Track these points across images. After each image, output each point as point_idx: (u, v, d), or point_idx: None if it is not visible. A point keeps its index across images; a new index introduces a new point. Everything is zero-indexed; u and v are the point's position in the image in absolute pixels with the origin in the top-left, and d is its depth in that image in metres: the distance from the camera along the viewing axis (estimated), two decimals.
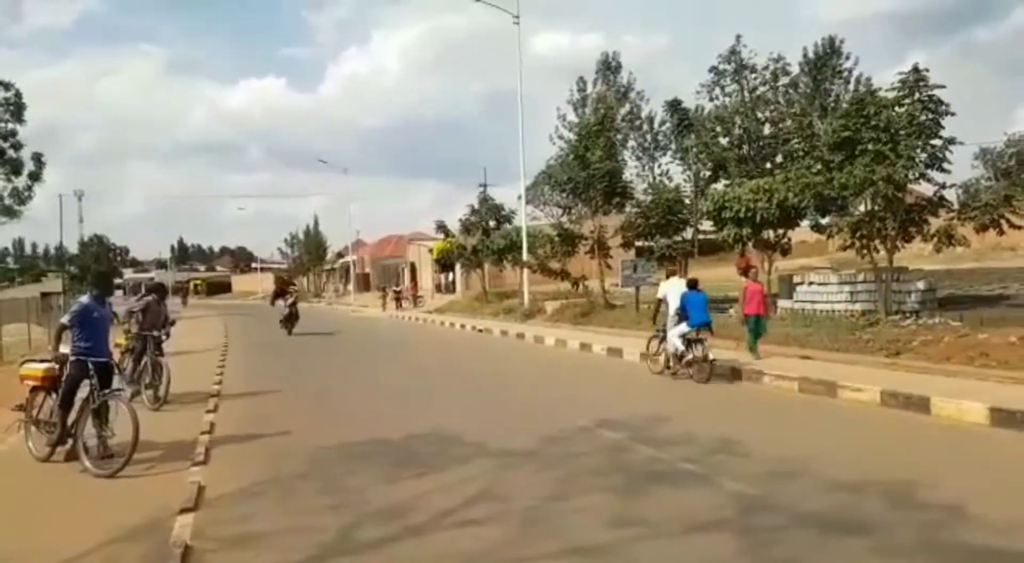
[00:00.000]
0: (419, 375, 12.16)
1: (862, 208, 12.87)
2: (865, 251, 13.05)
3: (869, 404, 7.83)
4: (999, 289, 16.58)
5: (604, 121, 21.15)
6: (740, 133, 18.21)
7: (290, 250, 68.39)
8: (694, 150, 18.95)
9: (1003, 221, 12.14)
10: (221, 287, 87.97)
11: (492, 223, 28.70)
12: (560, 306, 21.49)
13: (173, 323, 10.23)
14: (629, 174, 21.37)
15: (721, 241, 17.96)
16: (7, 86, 27.97)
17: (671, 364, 10.20)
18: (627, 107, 25.77)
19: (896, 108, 12.06)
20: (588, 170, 19.57)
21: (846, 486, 4.94)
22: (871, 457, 5.85)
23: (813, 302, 14.92)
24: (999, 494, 4.73)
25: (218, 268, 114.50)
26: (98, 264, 59.13)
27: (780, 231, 16.59)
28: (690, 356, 9.80)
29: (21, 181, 28.47)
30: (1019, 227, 12.31)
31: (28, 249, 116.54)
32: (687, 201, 18.95)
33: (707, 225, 18.79)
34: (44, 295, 27.89)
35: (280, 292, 22.58)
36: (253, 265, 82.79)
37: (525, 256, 23.59)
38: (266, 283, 70.94)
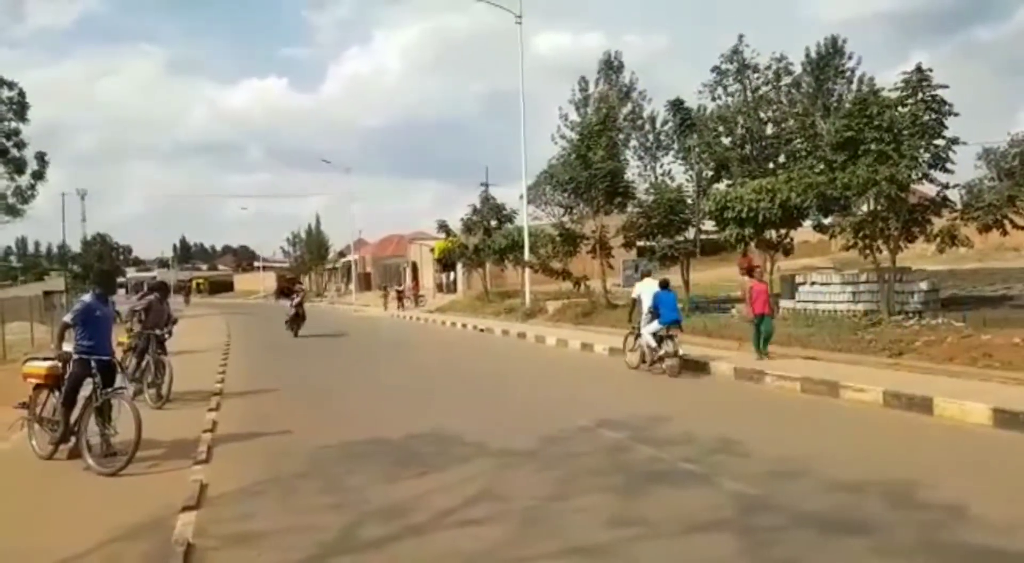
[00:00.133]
0: (420, 375, 12.17)
1: (865, 208, 12.84)
2: (868, 251, 13.03)
3: (871, 404, 7.82)
4: (1002, 290, 16.53)
5: (606, 121, 21.12)
6: (742, 133, 18.17)
7: (292, 249, 68.47)
8: (696, 150, 18.91)
9: (1006, 221, 12.09)
10: (223, 286, 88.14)
11: (494, 222, 28.70)
12: (562, 306, 21.49)
13: (175, 322, 10.27)
14: (631, 174, 21.32)
15: (723, 241, 17.91)
16: (10, 85, 28.10)
17: (646, 359, 10.82)
18: (629, 107, 25.73)
19: (899, 108, 12.03)
20: (590, 170, 19.55)
21: (847, 486, 4.94)
22: (872, 457, 5.84)
23: (815, 302, 14.90)
24: (1000, 495, 4.72)
25: (220, 267, 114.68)
26: (101, 263, 59.30)
27: (782, 231, 16.56)
28: (662, 352, 10.41)
29: (24, 180, 28.60)
30: (1022, 227, 12.26)
31: (31, 248, 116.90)
32: (689, 201, 18.91)
33: (709, 225, 18.75)
34: (47, 294, 28.03)
35: (285, 291, 22.87)
36: (255, 264, 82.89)
37: (527, 256, 23.59)
38: (268, 282, 71.13)
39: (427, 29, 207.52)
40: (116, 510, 4.90)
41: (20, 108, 28.11)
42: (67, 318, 6.55)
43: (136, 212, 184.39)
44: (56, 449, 6.33)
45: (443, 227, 31.42)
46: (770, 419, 7.66)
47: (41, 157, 29.19)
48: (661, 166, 22.07)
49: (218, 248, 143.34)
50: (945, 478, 5.10)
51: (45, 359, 6.83)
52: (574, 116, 25.74)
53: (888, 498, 4.67)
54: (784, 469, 5.43)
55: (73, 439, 6.23)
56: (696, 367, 10.71)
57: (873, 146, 11.90)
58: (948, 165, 12.09)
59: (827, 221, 15.77)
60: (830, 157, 12.94)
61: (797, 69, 20.24)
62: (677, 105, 19.61)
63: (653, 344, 10.56)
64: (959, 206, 12.66)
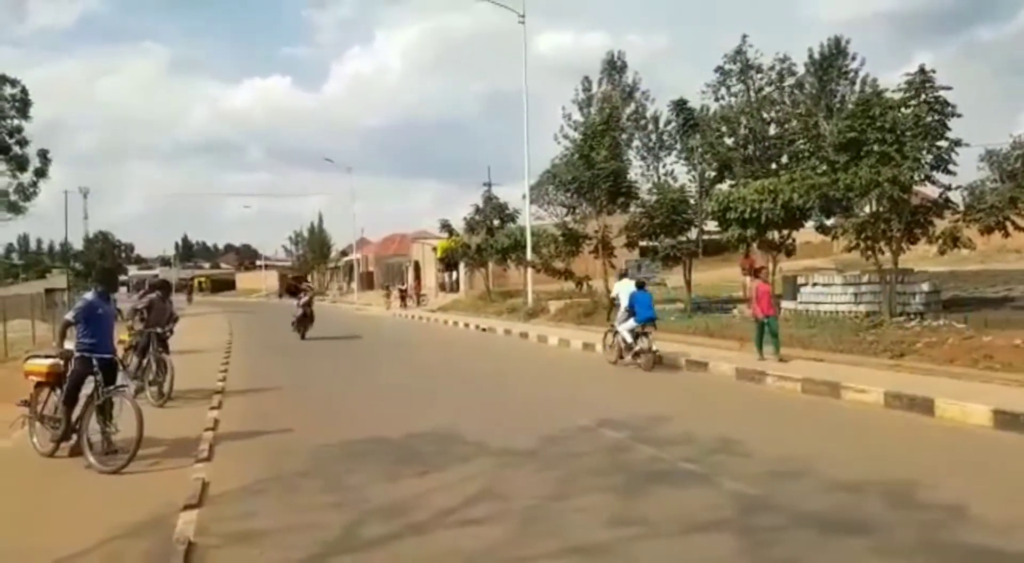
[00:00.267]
0: (422, 374, 12.18)
1: (867, 209, 12.83)
2: (870, 252, 13.02)
3: (873, 405, 7.82)
4: (1004, 291, 16.50)
5: (609, 121, 21.11)
6: (745, 133, 18.16)
7: (294, 248, 68.54)
8: (699, 150, 18.90)
9: (1008, 223, 12.08)
10: (225, 284, 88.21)
11: (496, 222, 28.70)
12: (564, 306, 21.49)
13: (176, 320, 10.27)
14: (634, 174, 21.33)
15: (725, 242, 17.92)
16: (13, 82, 28.17)
17: (623, 354, 11.53)
18: (632, 107, 25.72)
19: (902, 109, 12.02)
20: (593, 170, 19.55)
21: (847, 486, 4.94)
22: (873, 458, 5.84)
23: (817, 303, 14.88)
24: (1000, 496, 4.72)
25: (222, 265, 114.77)
26: (103, 261, 59.47)
27: (784, 232, 16.55)
28: (637, 347, 11.16)
29: (26, 177, 28.68)
30: None
31: (33, 245, 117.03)
32: (692, 201, 18.91)
33: (712, 225, 18.76)
34: (48, 291, 28.08)
35: (293, 290, 22.11)
36: (257, 263, 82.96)
37: (529, 255, 23.59)
38: (270, 280, 71.15)
39: (429, 29, 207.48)
40: (117, 508, 4.91)
41: (22, 105, 28.18)
42: (69, 316, 6.57)
43: (138, 210, 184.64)
44: (57, 447, 6.35)
45: (446, 226, 31.45)
46: (771, 419, 7.66)
47: (43, 154, 29.26)
48: (664, 166, 22.09)
49: (220, 246, 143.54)
50: (945, 479, 5.10)
51: (47, 357, 6.84)
52: (577, 116, 25.74)
53: (888, 498, 4.68)
54: (784, 469, 5.43)
55: (74, 437, 6.24)
56: (675, 364, 11.31)
57: (876, 147, 11.89)
58: (950, 167, 12.08)
59: (829, 222, 15.75)
60: (833, 158, 12.93)
61: (800, 70, 20.22)
62: (680, 105, 19.61)
63: (629, 340, 11.32)
64: (961, 208, 12.65)
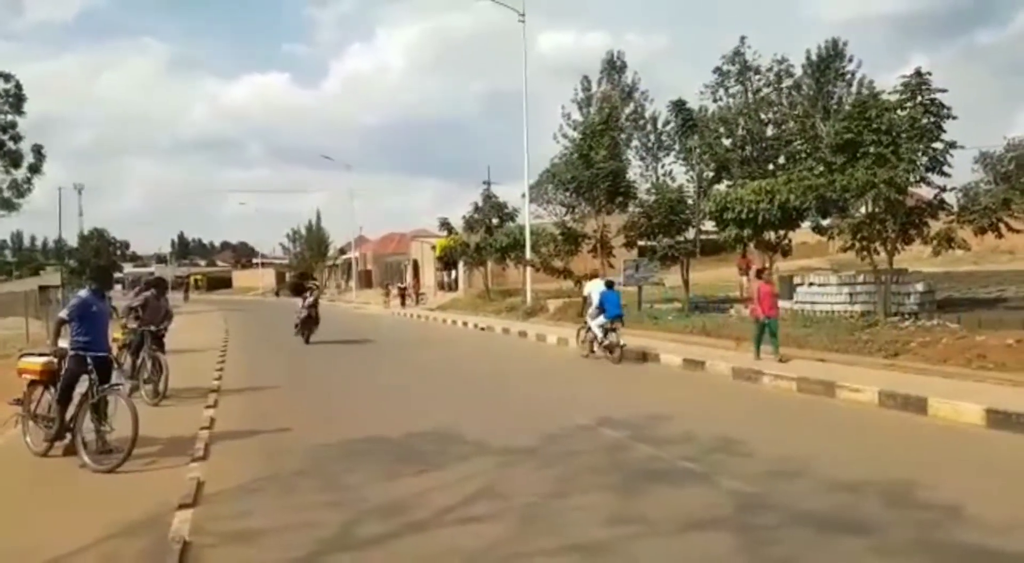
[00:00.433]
0: (420, 373, 12.17)
1: (863, 210, 12.87)
2: (865, 253, 13.06)
3: (867, 404, 7.85)
4: (997, 292, 16.59)
5: (608, 120, 21.14)
6: (743, 134, 18.21)
7: (292, 246, 68.35)
8: (697, 151, 18.93)
9: (1002, 224, 12.16)
10: (221, 282, 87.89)
11: (495, 221, 28.69)
12: (562, 305, 21.50)
13: (171, 318, 10.22)
14: (632, 174, 21.39)
15: (723, 242, 17.97)
16: (7, 77, 28.02)
17: (593, 348, 12.51)
18: (631, 107, 25.78)
19: (898, 111, 12.07)
20: (592, 169, 19.57)
21: (844, 486, 4.96)
22: (868, 457, 5.87)
23: (813, 303, 14.94)
24: (994, 495, 4.74)
25: (219, 263, 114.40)
26: (98, 258, 59.11)
27: (781, 232, 16.59)
28: (607, 342, 12.13)
29: (20, 173, 28.56)
30: (1017, 231, 12.34)
31: (27, 242, 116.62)
32: (690, 201, 18.96)
33: (709, 225, 18.79)
34: (42, 289, 27.87)
35: (297, 289, 19.05)
36: (254, 261, 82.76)
37: (528, 254, 23.60)
38: (267, 278, 70.99)
39: (429, 27, 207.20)
40: (112, 508, 4.89)
41: (16, 101, 28.04)
42: (63, 314, 6.52)
43: (134, 207, 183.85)
44: (51, 446, 6.31)
45: (445, 225, 31.40)
46: (767, 419, 7.68)
47: (38, 150, 29.12)
48: (662, 166, 22.14)
49: (217, 244, 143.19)
50: (940, 478, 5.13)
51: (40, 355, 6.79)
52: (577, 115, 25.80)
53: (884, 497, 4.69)
54: (781, 468, 5.45)
55: (68, 436, 6.19)
56: (640, 357, 12.29)
57: (872, 149, 11.93)
58: (945, 168, 12.14)
59: (825, 223, 15.81)
60: (829, 159, 12.98)
61: (798, 71, 20.30)
62: (679, 106, 19.63)
63: (599, 335, 12.29)
64: (956, 209, 12.71)
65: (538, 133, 56.23)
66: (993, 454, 5.95)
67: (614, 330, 12.08)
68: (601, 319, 12.23)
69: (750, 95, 18.42)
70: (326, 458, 6.14)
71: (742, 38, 18.65)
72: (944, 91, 11.91)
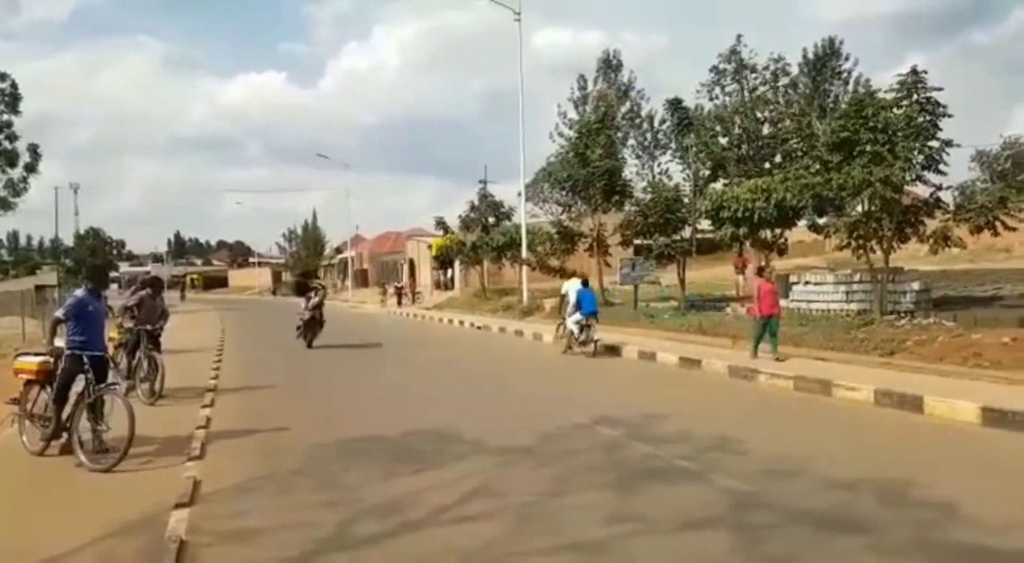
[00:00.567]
0: (417, 371, 12.17)
1: (859, 209, 12.90)
2: (861, 251, 13.09)
3: (863, 403, 7.87)
4: (993, 290, 16.65)
5: (604, 119, 21.16)
6: (739, 133, 18.28)
7: (288, 245, 68.23)
8: (693, 149, 18.99)
9: (998, 223, 12.18)
10: (217, 281, 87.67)
11: (491, 220, 28.67)
12: (558, 303, 21.48)
13: (167, 317, 10.19)
14: (629, 172, 21.48)
15: (719, 240, 18.02)
16: (3, 77, 27.89)
17: (571, 344, 13.04)
18: (627, 105, 25.82)
19: (894, 110, 12.09)
20: (588, 168, 19.59)
21: (840, 484, 4.98)
22: (865, 456, 5.88)
23: (809, 302, 14.97)
24: (991, 493, 4.76)
25: (215, 262, 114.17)
26: (94, 257, 58.86)
27: (777, 231, 16.65)
28: (583, 337, 12.80)
29: (16, 173, 28.44)
30: (1013, 229, 12.37)
31: (23, 241, 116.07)
32: (686, 200, 19.00)
33: (705, 224, 18.84)
34: (39, 288, 27.81)
35: (301, 289, 17.72)
36: (251, 260, 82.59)
37: (524, 253, 23.60)
38: (263, 277, 70.86)
39: (426, 26, 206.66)
40: (108, 507, 4.88)
41: (12, 100, 27.93)
42: (59, 313, 6.50)
43: (131, 207, 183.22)
44: (47, 445, 6.30)
45: (441, 224, 31.38)
46: (764, 417, 7.70)
47: (34, 149, 29.01)
48: (658, 165, 22.26)
49: (213, 243, 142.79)
50: (936, 476, 5.14)
51: (36, 354, 6.79)
52: (573, 114, 25.83)
53: (880, 496, 4.71)
54: (778, 467, 5.46)
55: (65, 435, 6.19)
56: (612, 351, 12.95)
57: (868, 147, 11.95)
58: (941, 167, 12.16)
59: (822, 221, 15.87)
60: (826, 158, 12.99)
61: (794, 70, 20.36)
62: (675, 104, 19.69)
63: (576, 331, 12.96)
64: (952, 207, 12.74)
65: (535, 132, 56.50)
66: (989, 452, 5.97)
67: (589, 326, 12.81)
68: (577, 316, 12.93)
69: (746, 94, 18.48)
70: (323, 457, 6.14)
71: (738, 36, 18.73)
72: (940, 90, 11.95)
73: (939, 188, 12.54)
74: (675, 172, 20.83)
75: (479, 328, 20.48)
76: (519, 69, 24.11)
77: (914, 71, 12.03)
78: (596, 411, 7.67)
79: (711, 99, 19.27)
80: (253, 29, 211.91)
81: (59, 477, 5.78)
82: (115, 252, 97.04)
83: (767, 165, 17.95)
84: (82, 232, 64.26)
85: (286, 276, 67.69)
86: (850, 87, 23.58)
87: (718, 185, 18.49)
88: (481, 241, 27.87)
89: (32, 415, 6.55)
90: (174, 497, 4.89)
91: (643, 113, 24.80)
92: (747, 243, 17.91)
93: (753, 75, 18.53)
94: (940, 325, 11.23)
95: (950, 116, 11.94)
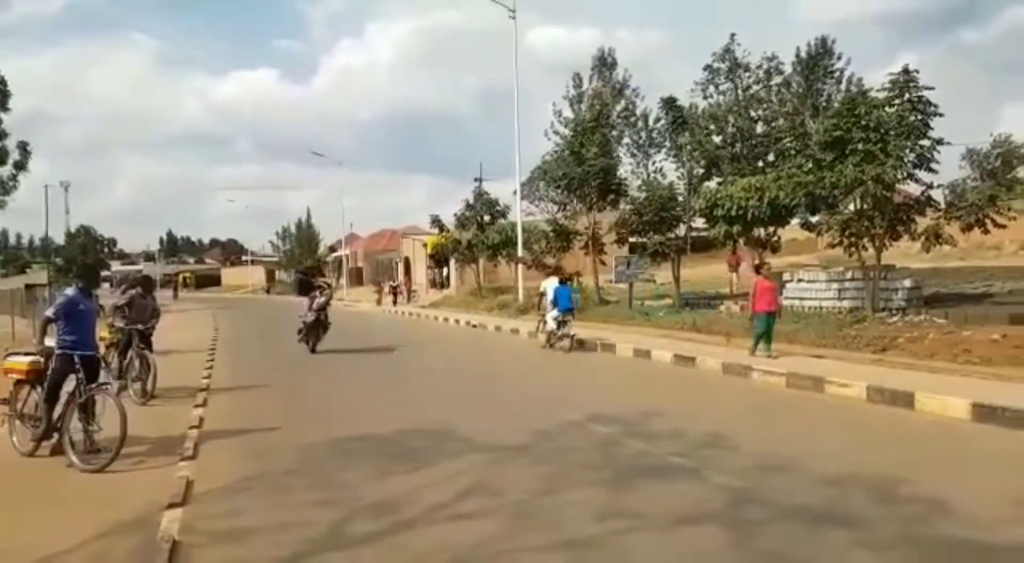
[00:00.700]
0: (412, 370, 12.16)
1: (851, 207, 12.97)
2: (854, 249, 13.17)
3: (855, 399, 7.92)
4: (983, 287, 16.75)
5: (599, 118, 21.16)
6: (733, 131, 18.31)
7: (281, 243, 67.99)
8: (688, 148, 19.01)
9: (988, 220, 12.27)
10: (210, 280, 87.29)
11: (487, 218, 28.65)
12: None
13: (159, 316, 10.13)
14: (624, 171, 21.44)
15: (713, 238, 18.05)
16: None
17: (551, 339, 13.70)
18: (622, 104, 25.77)
19: (886, 108, 12.16)
20: (583, 166, 19.59)
21: (832, 480, 5.00)
22: (856, 452, 5.92)
23: (802, 299, 15.04)
24: (979, 489, 4.80)
25: (207, 261, 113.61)
26: (85, 256, 58.46)
27: (771, 229, 16.71)
28: (560, 333, 13.46)
29: (6, 170, 28.14)
30: (1003, 226, 12.45)
31: (12, 240, 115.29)
32: (680, 198, 19.04)
33: (700, 222, 18.88)
34: (29, 287, 27.53)
35: (304, 287, 15.49)
36: (244, 258, 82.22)
37: (520, 251, 23.60)
38: (256, 276, 70.57)
39: (420, 23, 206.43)
40: (100, 507, 4.85)
41: (2, 97, 27.62)
42: (50, 312, 6.45)
43: (122, 205, 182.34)
44: (38, 446, 6.25)
45: (436, 222, 31.33)
46: (757, 414, 7.74)
47: (23, 147, 28.70)
48: (653, 163, 22.20)
49: (206, 242, 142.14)
50: (927, 472, 5.19)
51: (27, 354, 6.72)
52: (568, 112, 25.76)
53: (872, 492, 4.74)
54: (771, 463, 5.49)
55: (56, 435, 6.14)
56: (590, 346, 13.69)
57: (860, 146, 12.01)
58: (932, 165, 12.24)
59: (814, 219, 15.91)
60: (818, 156, 13.05)
61: (787, 69, 20.40)
62: (669, 103, 19.69)
63: (553, 327, 13.67)
64: (943, 205, 12.82)
65: (531, 129, 56.47)
66: (979, 448, 6.02)
67: (566, 322, 13.54)
68: (555, 312, 13.62)
69: (740, 92, 18.51)
70: (316, 456, 6.12)
71: (732, 35, 18.73)
72: (931, 89, 12.02)
73: (930, 186, 12.62)
74: (669, 170, 20.86)
75: (474, 326, 20.48)
76: (514, 67, 24.15)
77: (905, 70, 12.10)
78: (591, 408, 7.68)
79: (705, 98, 19.30)
80: (246, 26, 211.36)
81: (50, 478, 5.74)
82: (106, 251, 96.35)
83: (760, 163, 17.99)
84: (73, 230, 63.82)
85: (281, 274, 67.47)
86: (843, 86, 23.61)
87: (712, 183, 18.52)
88: (477, 239, 27.85)
89: (22, 415, 6.50)
90: (167, 497, 4.87)
91: (638, 112, 24.77)
92: (741, 241, 17.96)
93: (747, 74, 18.56)
94: (931, 322, 11.31)
95: (941, 115, 12.03)
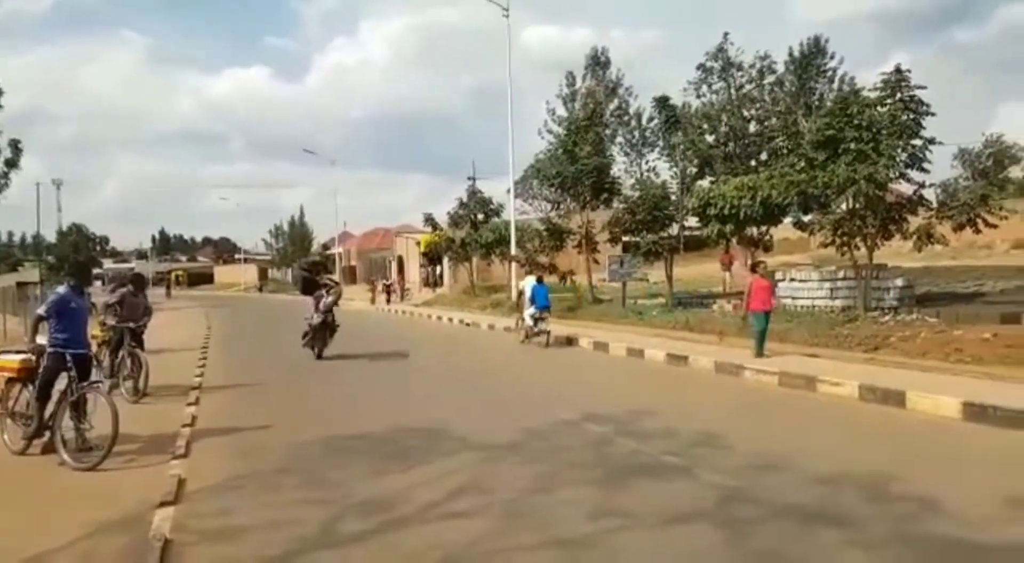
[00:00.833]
0: (405, 368, 12.14)
1: (844, 206, 13.03)
2: (846, 248, 13.23)
3: (847, 398, 7.96)
4: (975, 287, 16.88)
5: (593, 116, 21.17)
6: (726, 131, 18.38)
7: (275, 241, 67.77)
8: (681, 147, 19.07)
9: (979, 220, 12.35)
10: (203, 278, 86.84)
11: (480, 216, 28.62)
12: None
13: (151, 314, 10.08)
14: (617, 170, 21.46)
15: (706, 237, 18.11)
16: None
17: (529, 335, 14.41)
18: (616, 103, 25.81)
19: (878, 108, 12.21)
20: (577, 165, 19.61)
21: (824, 479, 5.03)
22: (848, 450, 5.96)
23: (794, 298, 15.11)
24: (970, 487, 4.84)
25: (200, 259, 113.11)
26: (77, 254, 58.22)
27: (763, 228, 16.78)
28: (537, 329, 14.16)
29: None
30: (995, 226, 12.53)
31: (4, 237, 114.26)
32: (673, 197, 19.08)
33: (692, 221, 18.94)
34: (20, 285, 27.28)
35: (309, 284, 13.51)
36: (236, 256, 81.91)
37: (513, 250, 23.60)
38: (249, 274, 70.31)
39: (414, 21, 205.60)
40: (92, 506, 4.83)
41: None
42: (41, 310, 6.43)
43: (115, 203, 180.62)
44: (29, 444, 6.22)
45: (429, 220, 31.27)
46: (749, 412, 7.77)
47: (15, 145, 28.42)
48: (646, 162, 22.26)
49: (198, 240, 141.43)
50: (918, 471, 5.22)
51: (18, 352, 6.70)
52: (561, 111, 25.78)
53: (864, 491, 4.77)
54: (763, 462, 5.51)
55: (47, 434, 6.12)
56: (566, 342, 14.35)
57: (853, 145, 12.06)
58: (925, 165, 12.31)
59: (807, 218, 16.00)
60: (811, 155, 13.10)
61: (780, 68, 20.49)
62: (662, 102, 19.74)
63: (531, 323, 14.35)
64: (935, 205, 12.90)
65: (524, 128, 56.54)
66: (969, 447, 6.06)
67: (543, 319, 14.21)
68: (532, 309, 14.31)
69: (733, 92, 18.57)
70: (308, 455, 6.11)
71: (725, 35, 18.80)
72: (923, 88, 12.09)
73: (922, 186, 12.69)
74: (663, 170, 20.93)
75: (468, 325, 20.47)
76: (507, 65, 24.13)
77: (898, 70, 12.16)
78: (584, 407, 7.70)
79: (698, 97, 19.39)
80: (239, 24, 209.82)
81: (41, 476, 5.71)
82: (98, 249, 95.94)
83: (753, 163, 18.07)
84: (65, 228, 63.51)
85: (274, 273, 67.20)
86: (835, 85, 23.71)
87: (705, 183, 18.59)
88: (470, 238, 27.82)
89: (13, 413, 6.47)
90: (158, 495, 4.85)
91: (631, 110, 24.84)
92: (733, 240, 18.02)
93: (740, 73, 18.65)
94: (923, 321, 11.39)
95: (933, 114, 12.09)
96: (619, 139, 23.20)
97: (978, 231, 12.63)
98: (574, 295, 20.83)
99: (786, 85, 21.60)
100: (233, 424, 7.37)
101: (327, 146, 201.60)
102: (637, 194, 19.24)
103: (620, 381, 10.23)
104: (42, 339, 6.36)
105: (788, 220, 16.88)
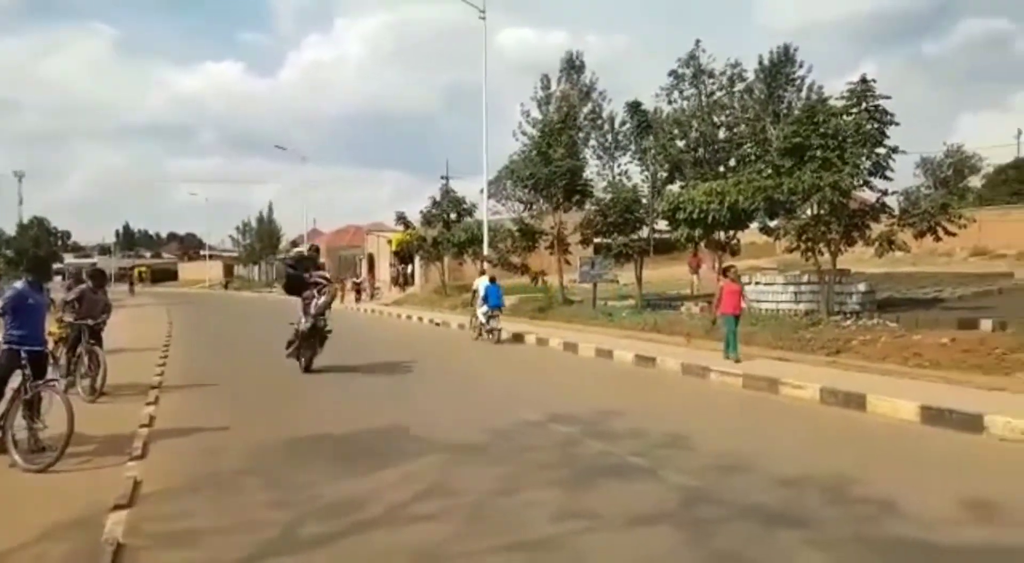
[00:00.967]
0: (374, 368, 12.00)
1: (809, 212, 13.30)
2: (810, 254, 13.50)
3: (809, 401, 8.11)
4: (934, 293, 17.40)
5: (567, 119, 21.27)
6: (696, 136, 18.62)
7: (241, 238, 66.49)
8: (652, 151, 19.27)
9: (940, 228, 12.71)
10: (167, 275, 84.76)
11: (453, 216, 28.51)
12: (518, 301, 21.55)
13: (109, 311, 9.78)
14: (590, 172, 21.63)
15: (675, 241, 18.32)
16: None
17: (481, 332, 15.37)
18: (589, 106, 26.02)
19: (844, 117, 12.50)
20: (550, 167, 19.67)
21: (786, 481, 5.12)
22: (810, 452, 6.08)
23: (759, 301, 15.37)
24: (926, 489, 4.97)
25: (164, 255, 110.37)
26: (37, 248, 56.29)
27: (730, 232, 17.03)
28: (488, 327, 15.07)
29: None
30: (954, 234, 12.91)
31: None
32: (644, 201, 19.27)
33: (662, 225, 19.16)
34: None
35: (296, 281, 11.24)
36: (202, 253, 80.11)
37: (486, 250, 23.55)
38: (214, 271, 68.89)
39: (389, 19, 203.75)
40: (43, 509, 4.67)
41: None
42: None
43: (78, 196, 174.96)
44: None
45: (401, 219, 31.03)
46: (714, 414, 7.88)
47: None
48: (618, 166, 22.50)
49: (164, 235, 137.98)
50: (876, 473, 5.35)
51: None
52: (536, 113, 25.90)
53: (824, 492, 4.86)
54: (727, 463, 5.59)
55: None
56: (515, 339, 15.29)
57: (819, 153, 12.32)
58: (888, 173, 12.64)
59: (773, 224, 16.27)
60: (778, 162, 13.35)
61: (750, 76, 20.86)
62: (635, 107, 19.93)
63: (483, 321, 15.26)
64: (897, 212, 13.25)
65: (499, 129, 56.52)
66: (927, 450, 6.22)
67: (494, 317, 15.09)
68: (484, 308, 15.10)
69: (704, 98, 18.84)
70: (270, 456, 6.00)
71: (697, 42, 19.06)
72: (888, 98, 12.42)
73: (885, 193, 13.02)
74: (634, 173, 21.16)
75: (437, 324, 20.37)
76: (483, 67, 24.07)
77: (863, 80, 12.46)
78: (551, 408, 7.71)
79: (670, 103, 19.64)
80: (211, 18, 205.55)
81: None
82: (60, 243, 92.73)
83: (722, 168, 18.36)
84: (25, 222, 61.35)
85: (239, 269, 65.91)
86: (803, 94, 24.32)
87: (675, 187, 18.82)
88: (442, 237, 27.69)
89: None
90: (113, 498, 4.70)
91: (604, 114, 25.10)
92: (701, 244, 18.26)
93: (711, 80, 18.94)
94: (884, 326, 11.68)
95: (897, 124, 12.43)
96: (592, 142, 23.43)
97: (938, 239, 12.99)
98: (545, 296, 20.88)
99: (755, 93, 22.04)
100: (192, 424, 7.20)
101: (301, 142, 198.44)
102: (609, 197, 19.39)
103: (588, 382, 10.28)
104: None
105: (755, 225, 17.18)
